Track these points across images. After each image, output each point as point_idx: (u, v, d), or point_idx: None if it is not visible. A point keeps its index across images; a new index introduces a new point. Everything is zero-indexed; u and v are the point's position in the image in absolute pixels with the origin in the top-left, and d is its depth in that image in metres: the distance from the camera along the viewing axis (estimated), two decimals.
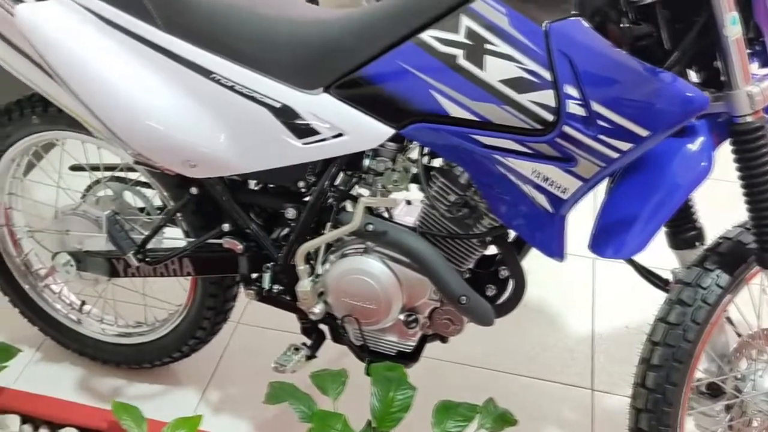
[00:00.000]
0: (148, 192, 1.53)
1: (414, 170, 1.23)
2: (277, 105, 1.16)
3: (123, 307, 1.74)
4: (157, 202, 1.53)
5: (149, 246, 1.42)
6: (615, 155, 1.00)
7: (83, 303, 1.74)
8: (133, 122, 1.21)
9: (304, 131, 1.17)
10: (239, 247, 1.34)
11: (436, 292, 1.27)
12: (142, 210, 1.53)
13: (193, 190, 1.34)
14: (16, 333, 1.77)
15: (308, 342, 1.40)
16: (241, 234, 1.35)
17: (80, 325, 1.72)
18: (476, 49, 1.03)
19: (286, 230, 1.36)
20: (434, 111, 1.08)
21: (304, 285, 1.28)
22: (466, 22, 1.03)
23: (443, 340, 1.36)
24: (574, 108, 0.99)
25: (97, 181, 1.53)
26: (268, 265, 1.35)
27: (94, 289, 1.66)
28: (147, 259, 1.40)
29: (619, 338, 1.83)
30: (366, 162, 1.23)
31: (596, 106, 0.98)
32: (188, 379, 1.74)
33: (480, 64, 1.03)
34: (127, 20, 1.17)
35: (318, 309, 1.31)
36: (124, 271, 1.47)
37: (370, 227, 1.22)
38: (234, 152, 1.21)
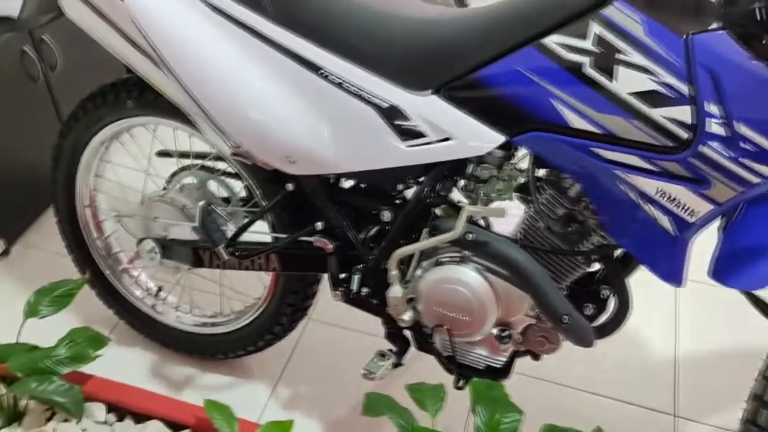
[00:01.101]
0: (233, 183, 1.51)
1: (521, 180, 1.18)
2: (384, 105, 1.13)
3: (199, 296, 1.73)
4: (242, 194, 1.51)
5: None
6: (756, 180, 0.93)
7: (160, 289, 1.74)
8: (236, 113, 1.18)
9: (409, 133, 1.13)
10: (330, 246, 1.31)
11: (534, 308, 1.21)
12: (225, 200, 1.52)
13: (289, 187, 1.31)
14: (91, 314, 1.78)
15: (393, 348, 1.37)
16: (331, 233, 1.32)
17: (155, 311, 1.71)
18: (606, 58, 0.97)
19: (373, 231, 1.32)
20: (553, 121, 1.03)
21: (396, 291, 1.24)
22: (595, 28, 0.97)
23: (535, 357, 1.31)
24: (714, 127, 0.92)
25: (183, 169, 1.52)
26: (358, 267, 1.32)
27: (172, 277, 1.65)
28: (236, 253, 1.38)
29: (703, 363, 1.75)
30: (470, 168, 1.18)
31: (740, 127, 0.91)
32: (258, 373, 1.72)
33: (609, 74, 0.97)
34: (238, 9, 1.15)
35: (408, 316, 1.26)
36: (209, 262, 1.45)
37: (471, 236, 1.17)
38: (336, 150, 1.18)
